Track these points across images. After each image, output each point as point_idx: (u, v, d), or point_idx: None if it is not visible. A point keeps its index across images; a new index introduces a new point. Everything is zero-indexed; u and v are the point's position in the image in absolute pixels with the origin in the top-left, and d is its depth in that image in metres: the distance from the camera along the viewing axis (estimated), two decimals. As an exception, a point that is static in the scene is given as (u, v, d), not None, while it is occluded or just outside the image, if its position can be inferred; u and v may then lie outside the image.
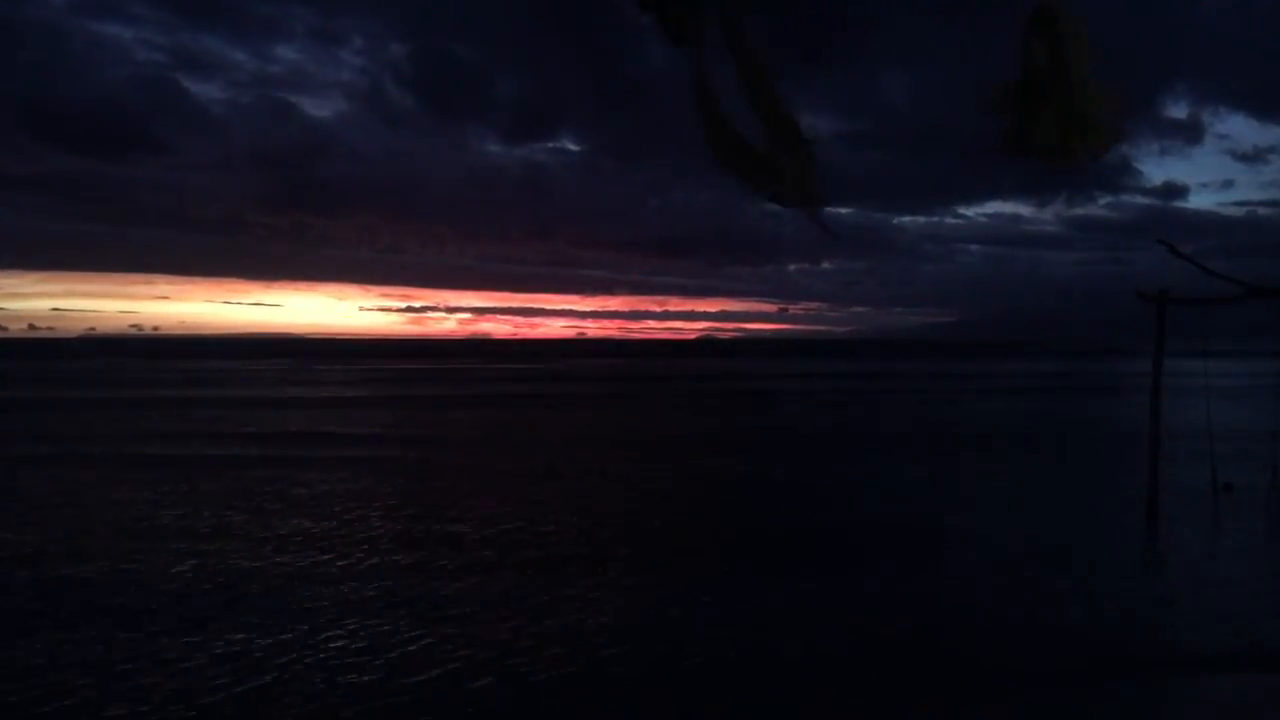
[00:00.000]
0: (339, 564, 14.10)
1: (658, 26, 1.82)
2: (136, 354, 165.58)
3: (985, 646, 10.46)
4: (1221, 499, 18.41)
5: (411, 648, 10.27)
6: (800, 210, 2.03)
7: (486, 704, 8.83)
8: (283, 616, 11.36)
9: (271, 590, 12.63)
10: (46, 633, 10.75)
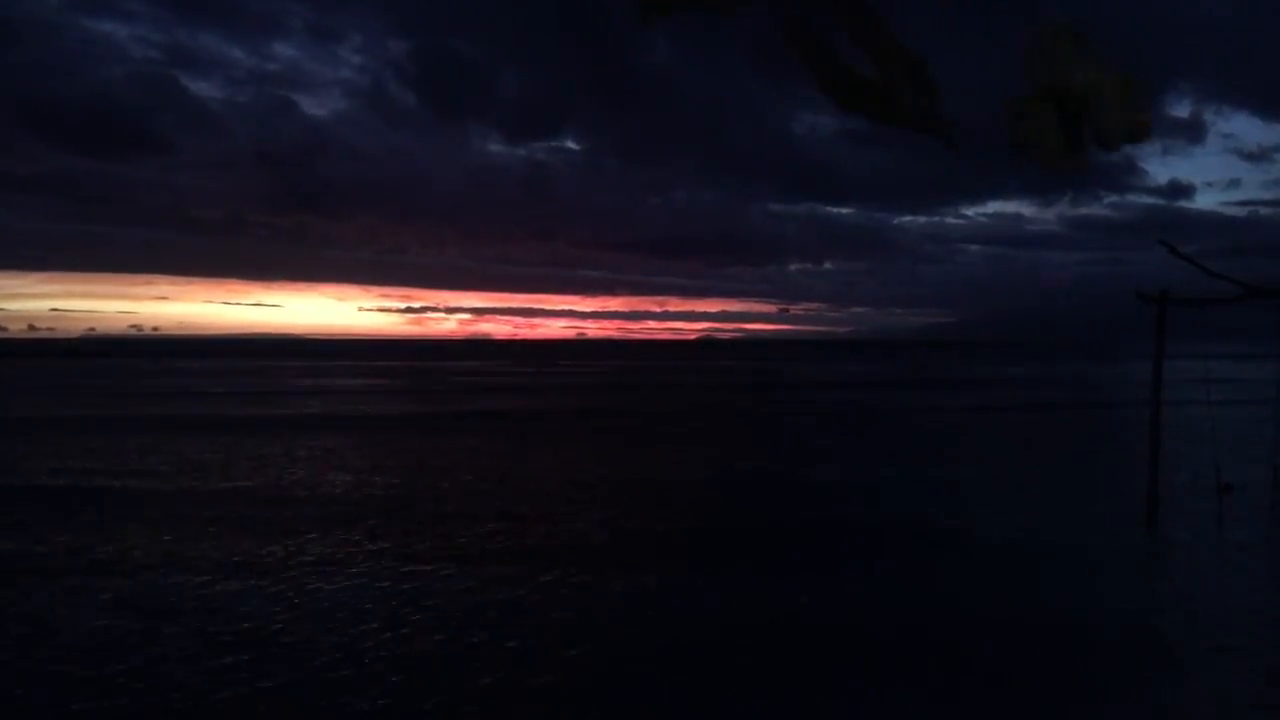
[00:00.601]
0: None
1: None
2: (128, 355, 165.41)
3: (981, 646, 10.46)
4: (1222, 499, 18.41)
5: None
6: (930, 134, 1.96)
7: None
8: None
9: None
10: None
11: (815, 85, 1.88)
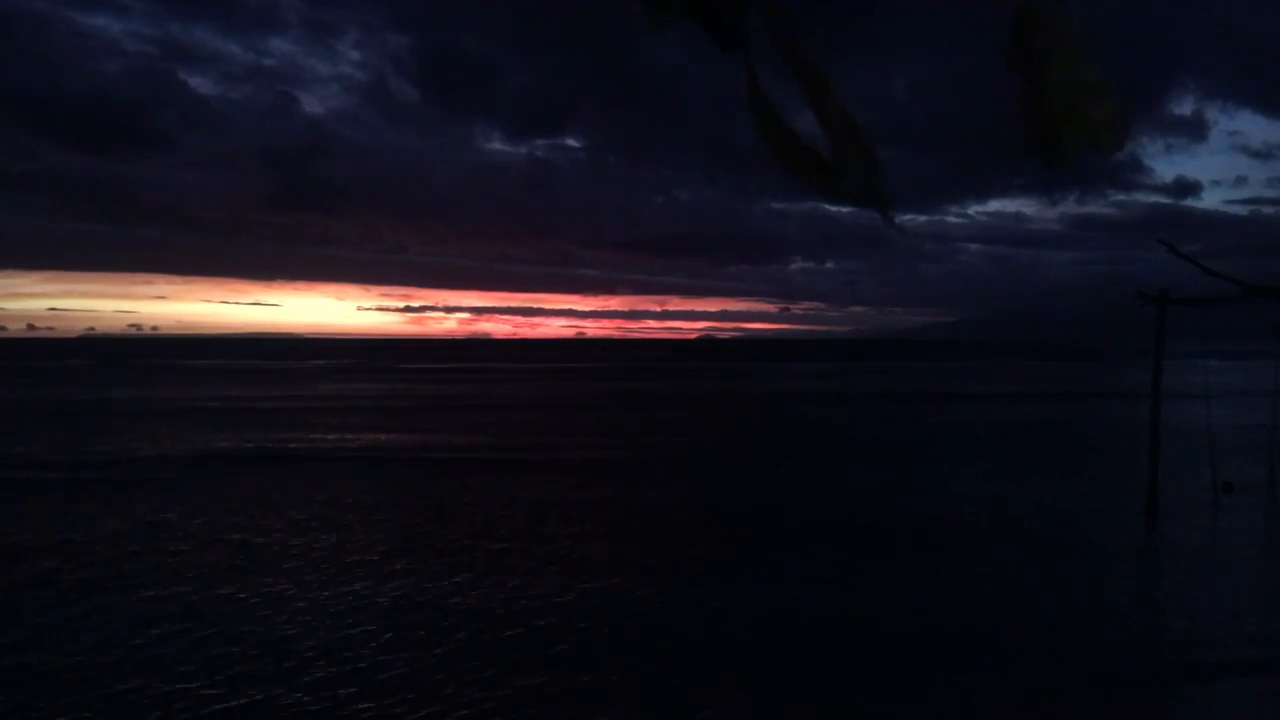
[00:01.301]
0: None
1: (705, 33, 1.80)
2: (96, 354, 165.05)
3: (979, 647, 10.48)
4: (1221, 498, 18.44)
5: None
6: (871, 210, 2.02)
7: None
8: None
9: None
10: None
11: (768, 151, 1.93)
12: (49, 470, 24.10)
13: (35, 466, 24.80)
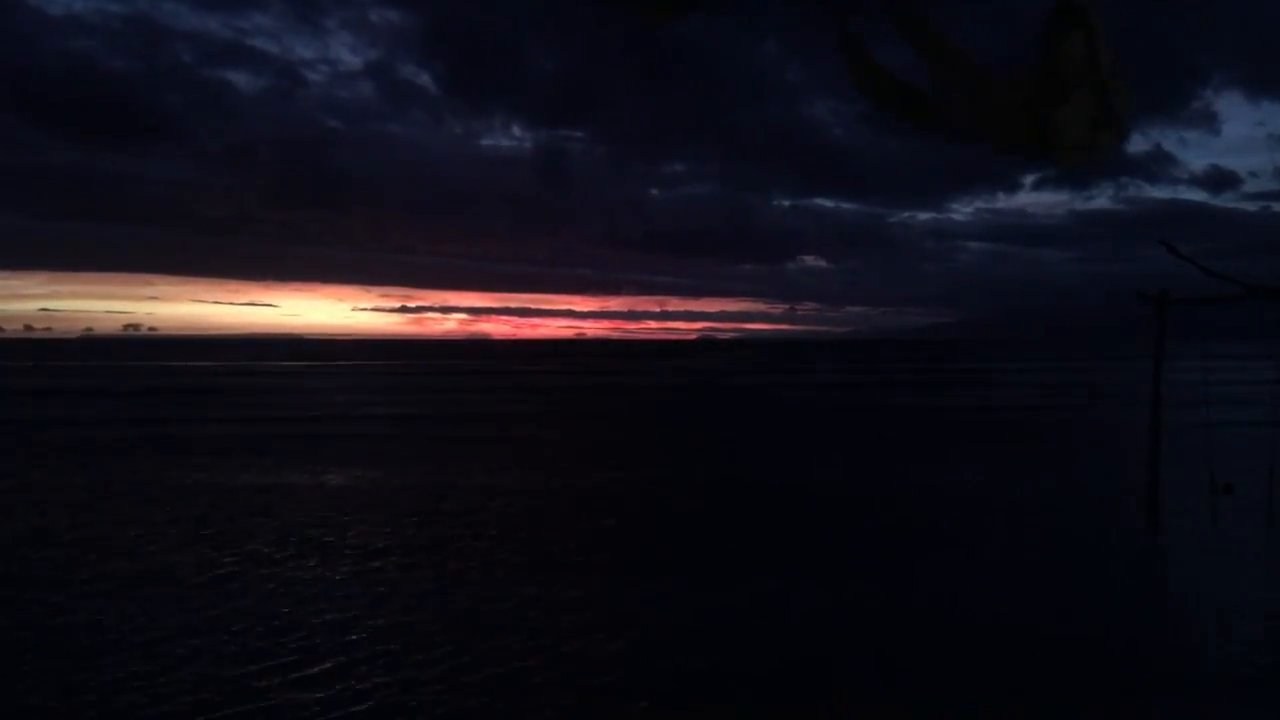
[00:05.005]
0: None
1: None
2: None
3: (981, 647, 10.46)
4: (1221, 499, 18.40)
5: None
6: (983, 142, 1.94)
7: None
8: None
9: None
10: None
11: (869, 99, 1.86)
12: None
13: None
